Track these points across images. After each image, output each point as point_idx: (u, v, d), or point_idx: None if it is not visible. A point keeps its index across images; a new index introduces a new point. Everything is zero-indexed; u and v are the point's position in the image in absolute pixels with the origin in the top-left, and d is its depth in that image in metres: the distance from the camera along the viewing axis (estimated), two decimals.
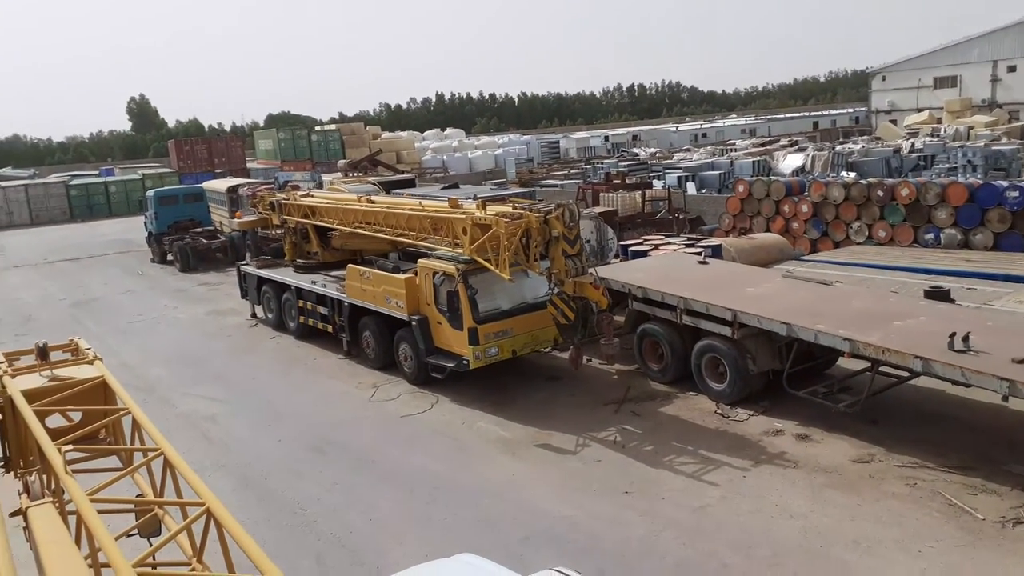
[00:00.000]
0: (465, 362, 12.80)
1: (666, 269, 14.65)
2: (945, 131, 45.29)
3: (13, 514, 4.81)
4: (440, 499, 9.93)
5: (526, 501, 9.69)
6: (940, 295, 12.61)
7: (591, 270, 11.90)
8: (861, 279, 14.49)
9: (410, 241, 14.41)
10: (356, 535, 9.19)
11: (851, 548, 8.17)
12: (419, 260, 13.92)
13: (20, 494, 5.35)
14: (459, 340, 12.87)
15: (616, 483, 9.97)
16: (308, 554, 8.82)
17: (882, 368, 10.62)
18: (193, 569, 4.84)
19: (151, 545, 4.40)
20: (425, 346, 13.51)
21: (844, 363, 12.11)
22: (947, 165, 28.19)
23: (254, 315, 19.81)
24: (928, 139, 40.72)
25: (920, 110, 59.94)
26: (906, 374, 10.86)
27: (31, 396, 5.60)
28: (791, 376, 11.43)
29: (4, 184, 54.32)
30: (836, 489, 9.40)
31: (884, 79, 66.96)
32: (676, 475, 10.09)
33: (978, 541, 8.12)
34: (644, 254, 16.53)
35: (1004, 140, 37.66)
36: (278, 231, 19.27)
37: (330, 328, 16.34)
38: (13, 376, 6.08)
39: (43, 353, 6.52)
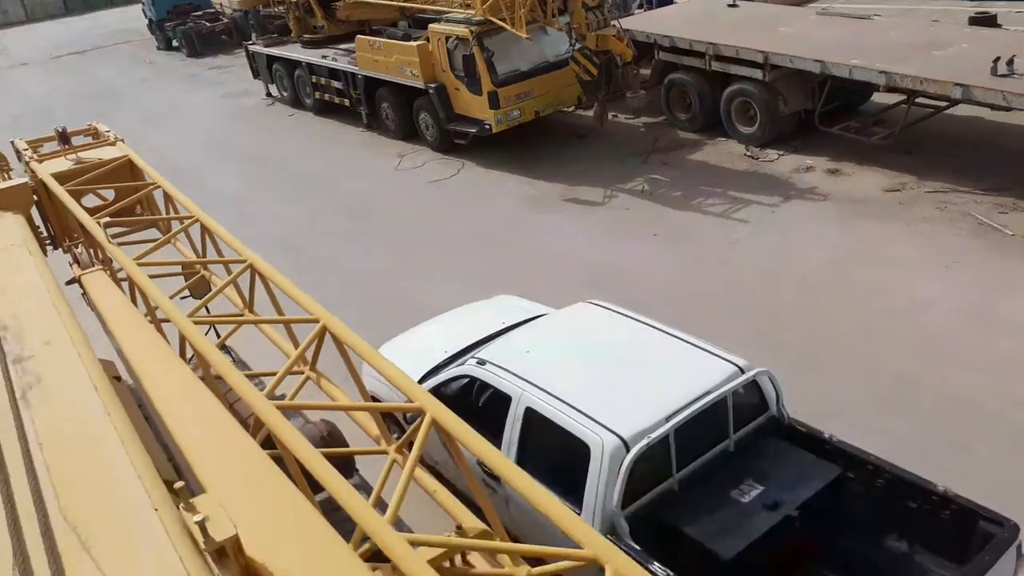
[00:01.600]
0: (487, 126, 12.59)
1: (694, 15, 13.92)
2: None
3: (69, 282, 5.02)
4: (475, 251, 10.26)
5: (558, 248, 9.99)
6: (986, 20, 11.93)
7: (614, 22, 11.29)
8: (902, 11, 13.62)
9: (418, 6, 13.65)
10: (399, 290, 9.52)
11: (882, 266, 8.38)
12: (430, 25, 13.23)
13: (71, 265, 5.56)
14: (479, 105, 12.57)
15: (646, 227, 10.17)
16: (352, 305, 9.11)
17: (918, 99, 10.28)
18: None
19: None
20: (445, 114, 13.24)
21: (879, 98, 11.72)
22: None
23: (269, 95, 19.40)
24: None
25: None
26: (943, 104, 10.51)
27: (61, 179, 5.63)
28: (823, 115, 11.15)
29: None
30: (867, 217, 9.50)
31: None
32: (705, 216, 10.23)
33: (1007, 255, 8.29)
34: (671, 2, 15.59)
35: None
36: (280, 7, 18.37)
37: (347, 102, 15.99)
38: (40, 161, 6.10)
39: (64, 138, 6.50)
